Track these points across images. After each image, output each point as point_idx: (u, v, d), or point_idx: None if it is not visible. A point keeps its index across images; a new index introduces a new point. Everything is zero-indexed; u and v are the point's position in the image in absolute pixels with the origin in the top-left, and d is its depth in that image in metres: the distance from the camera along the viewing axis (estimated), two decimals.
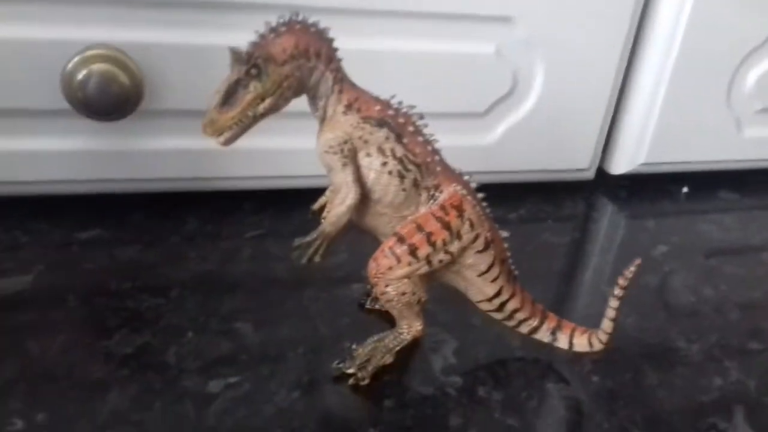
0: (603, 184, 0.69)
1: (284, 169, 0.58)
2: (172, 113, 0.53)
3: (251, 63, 0.35)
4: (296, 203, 0.56)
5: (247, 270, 0.50)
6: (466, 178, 0.41)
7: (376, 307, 0.47)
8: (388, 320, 0.44)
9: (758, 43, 0.65)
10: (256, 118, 0.37)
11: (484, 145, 0.62)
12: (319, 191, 0.45)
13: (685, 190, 0.71)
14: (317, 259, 0.40)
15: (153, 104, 0.51)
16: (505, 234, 0.42)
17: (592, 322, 0.45)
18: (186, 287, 0.47)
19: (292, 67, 0.37)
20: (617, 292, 0.41)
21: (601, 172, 0.70)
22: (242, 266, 0.51)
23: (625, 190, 0.69)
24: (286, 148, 0.56)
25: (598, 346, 0.43)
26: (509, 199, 0.64)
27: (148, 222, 0.54)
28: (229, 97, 0.36)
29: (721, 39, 0.64)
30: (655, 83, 0.65)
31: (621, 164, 0.69)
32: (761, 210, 0.69)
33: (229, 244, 0.53)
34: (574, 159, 0.67)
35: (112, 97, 0.48)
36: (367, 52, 0.54)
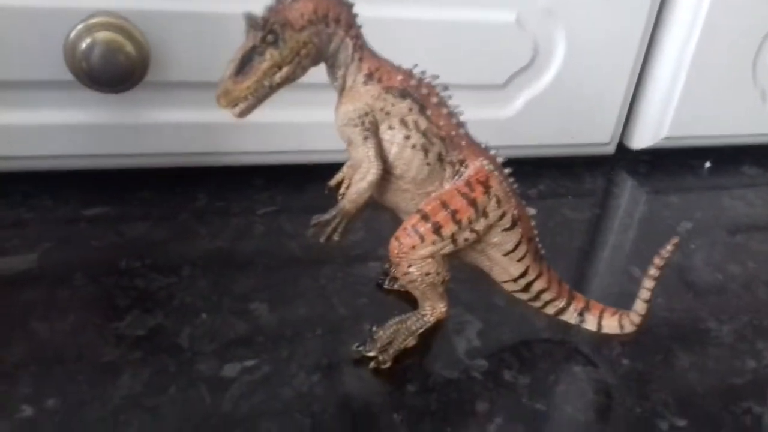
0: (623, 159, 0.67)
1: (296, 143, 0.56)
2: (179, 85, 0.50)
3: (267, 29, 0.33)
4: (309, 178, 0.55)
5: (259, 247, 0.48)
6: (492, 152, 0.39)
7: (395, 287, 0.45)
8: (407, 300, 0.42)
9: None
10: (273, 88, 0.35)
11: (502, 118, 0.60)
12: (332, 166, 0.43)
13: (707, 164, 0.69)
14: (336, 237, 0.38)
15: (160, 75, 0.49)
16: (532, 211, 0.40)
17: (614, 301, 0.43)
18: (197, 266, 0.46)
19: (311, 33, 0.34)
20: (653, 272, 0.39)
21: (622, 147, 0.68)
22: (255, 244, 0.49)
23: (646, 165, 0.67)
24: (299, 121, 0.54)
25: (629, 328, 0.42)
26: (528, 174, 0.62)
27: (156, 198, 0.53)
28: (243, 65, 0.34)
29: (748, 10, 0.62)
30: (679, 55, 0.62)
31: (643, 138, 0.67)
32: None
33: (240, 221, 0.51)
34: (595, 133, 0.64)
35: (117, 68, 0.46)
36: (383, 19, 0.51)
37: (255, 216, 0.52)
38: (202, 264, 0.46)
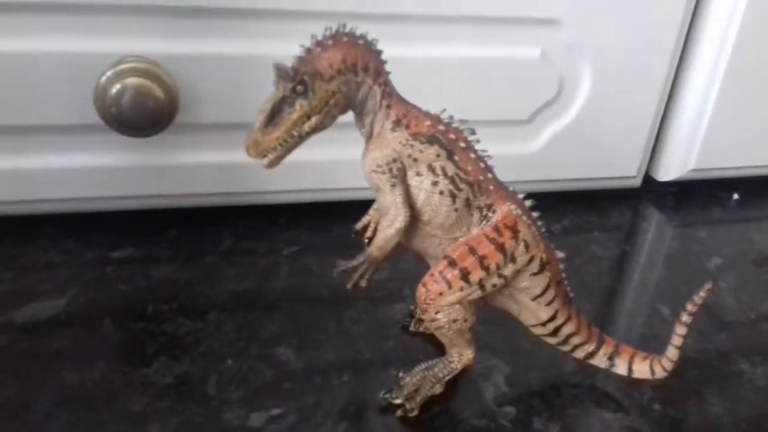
0: (650, 192, 0.66)
1: (320, 181, 0.56)
2: (207, 127, 0.51)
3: (297, 80, 0.33)
4: (333, 217, 0.55)
5: (285, 288, 0.48)
6: (520, 196, 0.39)
7: (421, 329, 0.45)
8: (433, 343, 0.42)
9: None
10: (302, 138, 0.35)
11: (527, 153, 0.60)
12: (357, 204, 0.43)
13: (736, 196, 0.68)
14: (363, 284, 0.38)
15: (188, 118, 0.49)
16: (561, 255, 0.40)
17: (644, 343, 0.43)
18: (224, 309, 0.46)
19: (340, 83, 0.35)
20: (685, 318, 0.38)
21: (649, 179, 0.67)
22: (280, 285, 0.49)
23: (673, 198, 0.67)
24: (323, 159, 0.54)
25: (661, 374, 0.41)
26: (552, 208, 0.61)
27: (182, 239, 0.53)
28: (273, 116, 0.34)
29: None
30: (707, 86, 0.62)
31: (670, 170, 0.66)
32: None
33: (266, 261, 0.51)
34: (621, 166, 0.64)
35: (146, 113, 0.46)
36: (408, 58, 0.52)
37: (280, 256, 0.52)
38: (228, 307, 0.46)
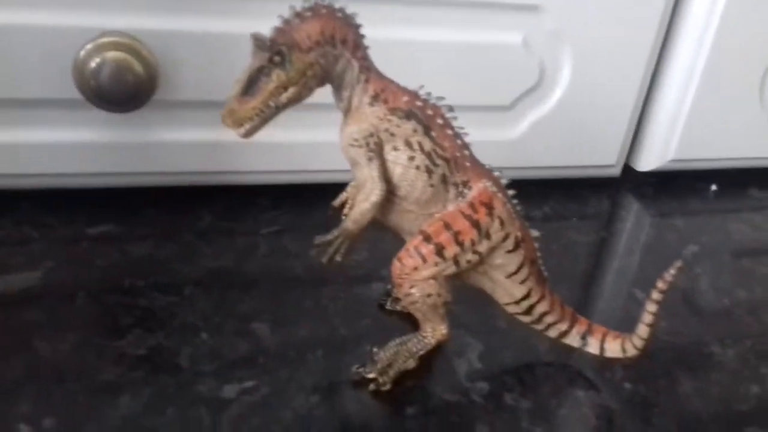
0: (629, 181, 0.67)
1: (301, 163, 0.56)
2: (187, 104, 0.51)
3: (274, 50, 0.33)
4: (313, 199, 0.55)
5: (263, 267, 0.48)
6: (496, 173, 0.39)
7: (397, 308, 0.45)
8: (409, 322, 0.42)
9: None
10: (279, 109, 0.35)
11: (508, 139, 0.60)
12: (337, 186, 0.43)
13: (713, 188, 0.69)
14: (338, 258, 0.38)
15: (167, 95, 0.49)
16: (535, 233, 0.40)
17: (618, 325, 0.43)
18: (200, 285, 0.46)
19: (317, 55, 0.35)
20: (656, 295, 0.39)
21: (628, 169, 0.68)
22: (258, 263, 0.49)
23: (651, 188, 0.67)
24: (304, 141, 0.55)
25: (632, 352, 0.41)
26: (533, 195, 0.62)
27: (160, 217, 0.53)
28: (250, 86, 0.34)
29: (755, 33, 0.62)
30: (686, 78, 0.62)
31: (649, 161, 0.67)
32: None
33: (244, 241, 0.51)
34: (601, 155, 0.64)
35: (125, 87, 0.46)
36: (389, 40, 0.51)
37: (259, 236, 0.52)
38: (205, 283, 0.46)
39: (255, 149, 0.54)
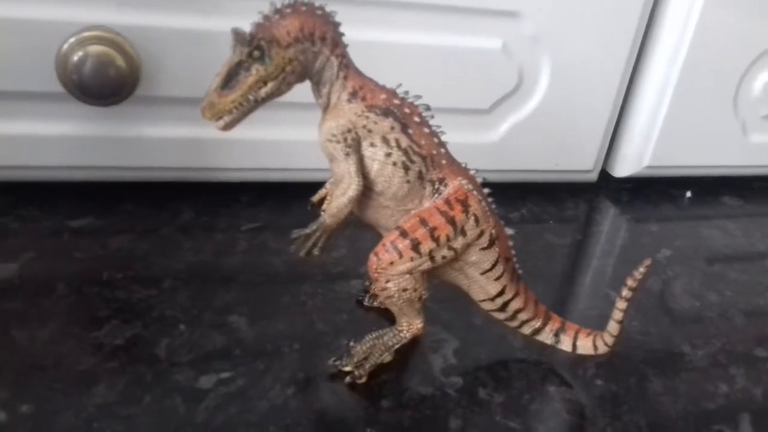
0: (606, 187, 0.68)
1: (283, 161, 0.57)
2: (169, 100, 0.51)
3: (254, 45, 0.34)
4: (295, 196, 0.55)
5: (242, 263, 0.49)
6: (472, 172, 0.40)
7: (375, 304, 0.45)
8: (387, 318, 0.43)
9: (766, 48, 0.64)
10: (258, 103, 0.36)
11: (487, 142, 0.61)
12: (319, 184, 0.44)
13: (688, 194, 0.70)
14: (316, 252, 0.39)
15: (150, 90, 0.50)
16: (510, 231, 0.41)
17: (593, 324, 0.44)
18: (179, 279, 0.46)
19: (297, 51, 0.35)
20: (625, 293, 0.40)
21: (605, 175, 0.69)
22: (238, 259, 0.49)
23: (627, 193, 0.68)
24: (286, 139, 0.55)
25: (603, 349, 0.42)
26: (511, 198, 0.63)
27: (141, 211, 0.53)
28: (230, 79, 0.35)
29: (730, 43, 0.63)
30: (662, 86, 0.64)
31: (625, 167, 0.68)
32: (765, 216, 0.68)
33: (224, 236, 0.52)
34: (578, 160, 0.66)
35: (107, 81, 0.47)
36: (370, 43, 0.52)
37: (239, 232, 0.52)
38: (184, 277, 0.46)
39: (237, 146, 0.54)
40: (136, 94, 0.49)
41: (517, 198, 0.63)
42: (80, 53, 0.46)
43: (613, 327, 0.41)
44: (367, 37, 0.52)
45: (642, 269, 0.39)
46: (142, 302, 0.43)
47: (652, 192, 0.69)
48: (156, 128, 0.52)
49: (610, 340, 0.41)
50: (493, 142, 0.61)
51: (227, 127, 0.35)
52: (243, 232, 0.53)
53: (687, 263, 0.58)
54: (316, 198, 0.44)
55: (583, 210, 0.65)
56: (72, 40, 0.46)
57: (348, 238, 0.52)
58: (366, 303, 0.46)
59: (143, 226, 0.51)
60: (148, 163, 0.53)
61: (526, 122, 0.61)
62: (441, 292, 0.42)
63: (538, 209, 0.63)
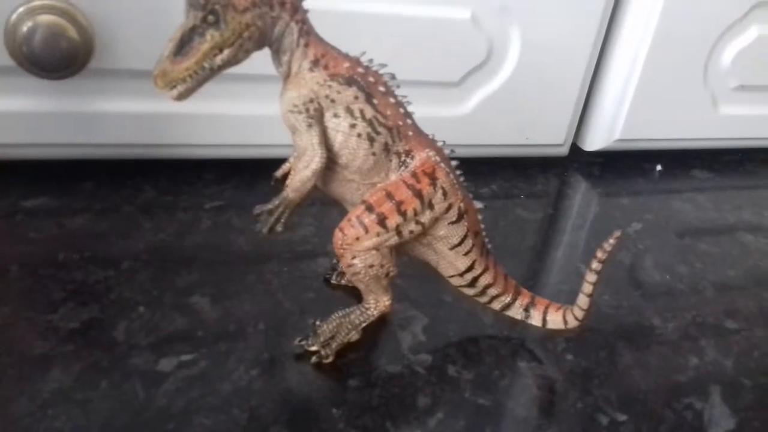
0: (576, 161, 0.68)
1: (249, 137, 0.55)
2: (126, 73, 0.49)
3: (208, 9, 0.32)
4: (260, 174, 0.53)
5: (205, 242, 0.47)
6: (439, 143, 0.39)
7: (343, 282, 0.44)
8: (355, 296, 0.42)
9: (735, 19, 0.64)
10: (213, 71, 0.34)
11: (456, 116, 0.60)
12: (284, 161, 0.43)
13: (659, 168, 0.69)
14: (279, 228, 0.37)
15: (105, 62, 0.48)
16: (479, 205, 0.40)
17: (564, 299, 0.43)
18: (139, 259, 0.44)
19: (254, 16, 0.34)
20: (595, 265, 0.39)
21: (575, 149, 0.68)
22: (200, 238, 0.48)
23: (598, 167, 0.68)
24: (252, 114, 0.53)
25: (573, 323, 0.41)
26: (481, 173, 0.62)
27: (100, 190, 0.51)
28: (183, 46, 0.33)
29: (699, 15, 0.63)
30: (632, 59, 0.63)
31: (595, 141, 0.67)
32: (735, 189, 0.68)
33: (186, 215, 0.50)
34: (549, 134, 0.65)
35: (59, 53, 0.44)
36: (337, 12, 0.51)
37: (202, 211, 0.51)
38: (144, 258, 0.45)
39: (199, 122, 0.53)
40: (90, 66, 0.47)
41: (488, 173, 0.62)
42: (29, 23, 0.43)
43: (582, 300, 0.40)
44: (333, 6, 0.50)
45: (611, 241, 0.38)
46: (99, 284, 0.42)
47: (623, 166, 0.69)
48: (113, 103, 0.50)
49: (580, 314, 0.41)
50: (463, 116, 0.60)
51: (181, 96, 0.34)
52: (206, 210, 0.51)
53: (658, 236, 0.57)
54: (279, 173, 0.42)
55: (554, 184, 0.64)
56: (21, 9, 0.44)
57: (314, 216, 0.50)
58: (333, 281, 0.45)
59: (102, 205, 0.49)
60: (106, 140, 0.51)
61: (495, 95, 0.60)
62: (409, 269, 0.41)
63: (508, 184, 0.62)
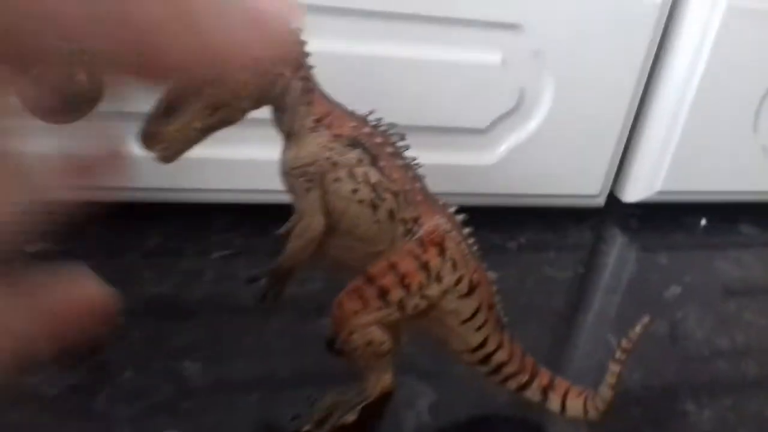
0: (613, 213, 0.63)
1: (261, 182, 0.52)
2: (133, 116, 0.47)
3: None
4: (273, 220, 0.51)
5: (206, 295, 0.45)
6: (451, 209, 0.35)
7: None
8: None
9: None
10: (205, 132, 0.31)
11: (484, 164, 0.56)
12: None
13: (703, 222, 0.65)
14: (272, 298, 0.34)
15: (111, 105, 0.46)
16: (493, 276, 0.37)
17: (589, 376, 0.39)
18: (134, 314, 0.42)
19: (251, 74, 0.31)
20: (619, 355, 0.35)
21: (612, 199, 0.64)
22: (202, 291, 0.45)
23: (637, 220, 0.63)
24: (264, 158, 0.51)
25: (593, 414, 0.37)
26: (508, 225, 0.58)
27: (105, 235, 0.49)
28: (172, 104, 0.31)
29: (750, 61, 0.58)
30: (677, 105, 0.59)
31: (635, 191, 0.63)
32: None
33: (190, 265, 0.48)
34: (583, 184, 0.61)
35: (65, 97, 0.43)
36: (363, 56, 0.48)
37: (208, 260, 0.48)
38: (139, 313, 0.42)
39: (212, 166, 0.50)
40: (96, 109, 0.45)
41: (515, 225, 0.59)
42: None
43: (605, 392, 0.36)
44: (359, 50, 0.47)
45: (638, 330, 0.34)
46: (88, 343, 0.39)
47: (664, 219, 0.64)
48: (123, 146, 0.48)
49: (602, 406, 0.37)
50: (490, 165, 0.56)
51: (168, 159, 0.31)
52: (212, 260, 0.49)
53: (698, 301, 0.53)
54: (282, 231, 0.39)
55: (587, 238, 0.60)
56: None
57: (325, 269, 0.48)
58: (338, 345, 0.42)
59: (104, 252, 0.47)
60: (114, 182, 0.49)
61: (526, 143, 0.57)
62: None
63: (537, 238, 0.58)
